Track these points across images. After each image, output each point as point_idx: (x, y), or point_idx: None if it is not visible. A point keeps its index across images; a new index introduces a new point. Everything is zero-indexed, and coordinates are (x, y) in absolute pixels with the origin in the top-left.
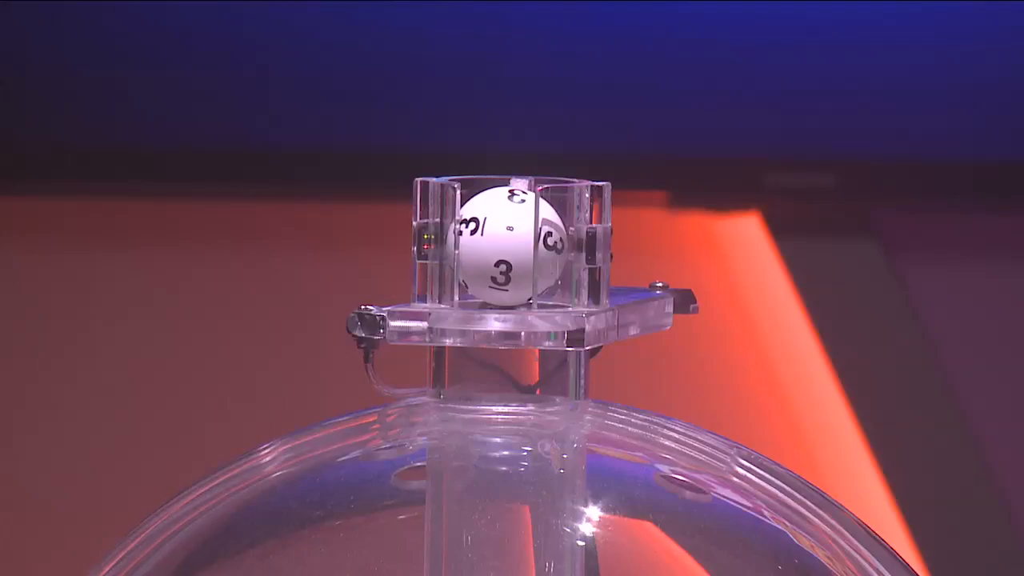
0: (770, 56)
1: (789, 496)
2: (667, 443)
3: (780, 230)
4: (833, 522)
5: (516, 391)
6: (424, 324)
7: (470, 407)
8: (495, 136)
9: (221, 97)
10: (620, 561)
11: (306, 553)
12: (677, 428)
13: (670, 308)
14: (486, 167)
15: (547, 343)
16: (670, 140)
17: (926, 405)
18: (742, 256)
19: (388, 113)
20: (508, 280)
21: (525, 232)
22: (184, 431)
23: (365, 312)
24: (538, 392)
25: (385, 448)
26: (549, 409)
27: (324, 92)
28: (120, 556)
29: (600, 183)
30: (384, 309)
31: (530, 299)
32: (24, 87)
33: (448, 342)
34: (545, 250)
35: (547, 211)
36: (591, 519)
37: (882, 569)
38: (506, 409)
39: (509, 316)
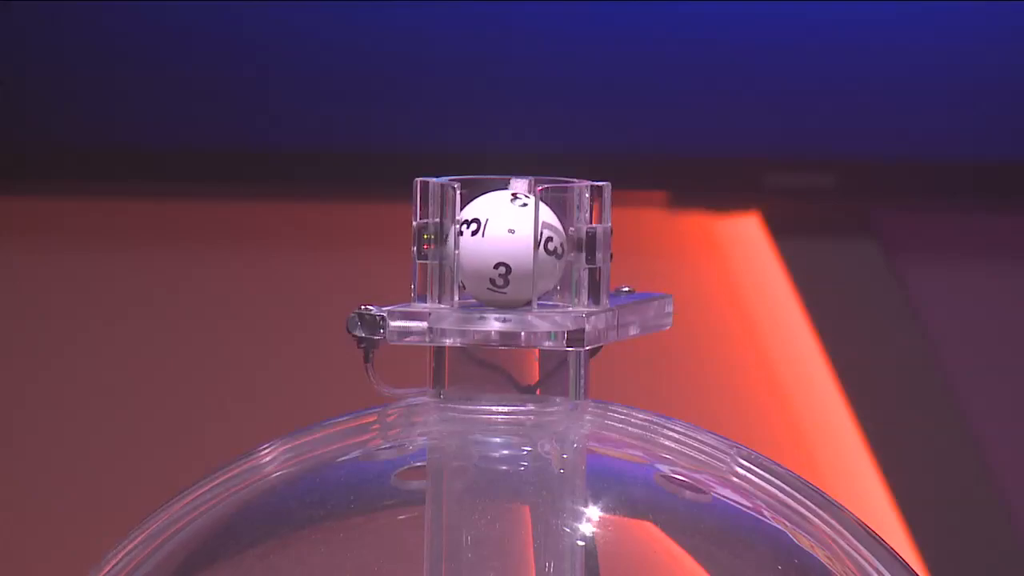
0: (770, 56)
1: (789, 496)
2: (667, 443)
3: (780, 230)
4: (833, 522)
5: (516, 391)
6: (424, 324)
7: (470, 407)
8: (495, 136)
9: (221, 97)
10: (620, 561)
11: (306, 553)
12: (677, 428)
13: (670, 308)
14: (486, 167)
15: (547, 343)
16: (670, 140)
17: (926, 405)
18: (742, 256)
19: (388, 113)
20: (507, 283)
21: (526, 235)
22: (184, 431)
23: (365, 312)
24: (538, 392)
25: (385, 448)
26: (549, 409)
27: (324, 92)
28: (120, 556)
29: (600, 183)
30: (384, 309)
31: (528, 302)
32: (24, 87)
33: (448, 342)
34: (545, 254)
35: (549, 215)
36: (591, 519)
37: (882, 569)
38: (506, 409)
39: (509, 316)
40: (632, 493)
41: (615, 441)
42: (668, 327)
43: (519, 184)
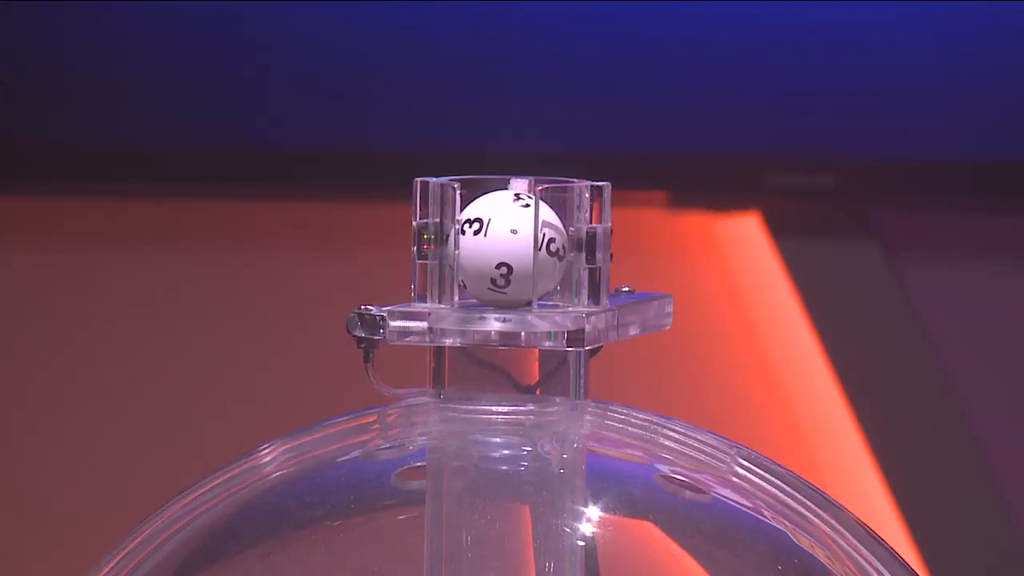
0: (770, 56)
1: (789, 496)
2: (667, 443)
3: (780, 230)
4: (833, 522)
5: (516, 391)
6: (424, 324)
7: (470, 407)
8: (495, 136)
9: (221, 97)
10: (620, 561)
11: (306, 553)
12: (677, 428)
13: (670, 308)
14: (486, 167)
15: (547, 343)
16: (670, 140)
17: (926, 405)
18: (742, 256)
19: (388, 113)
20: (508, 283)
21: (528, 236)
22: (184, 431)
23: (365, 312)
24: (538, 392)
25: (385, 448)
26: (549, 409)
27: (324, 92)
28: (120, 556)
29: (600, 183)
30: (384, 309)
31: (528, 302)
32: (24, 87)
33: (448, 342)
34: (547, 255)
35: (551, 217)
36: (591, 519)
37: (882, 569)
38: (506, 409)
39: (509, 316)
40: (632, 493)
41: (615, 441)
42: (668, 327)
43: (519, 184)
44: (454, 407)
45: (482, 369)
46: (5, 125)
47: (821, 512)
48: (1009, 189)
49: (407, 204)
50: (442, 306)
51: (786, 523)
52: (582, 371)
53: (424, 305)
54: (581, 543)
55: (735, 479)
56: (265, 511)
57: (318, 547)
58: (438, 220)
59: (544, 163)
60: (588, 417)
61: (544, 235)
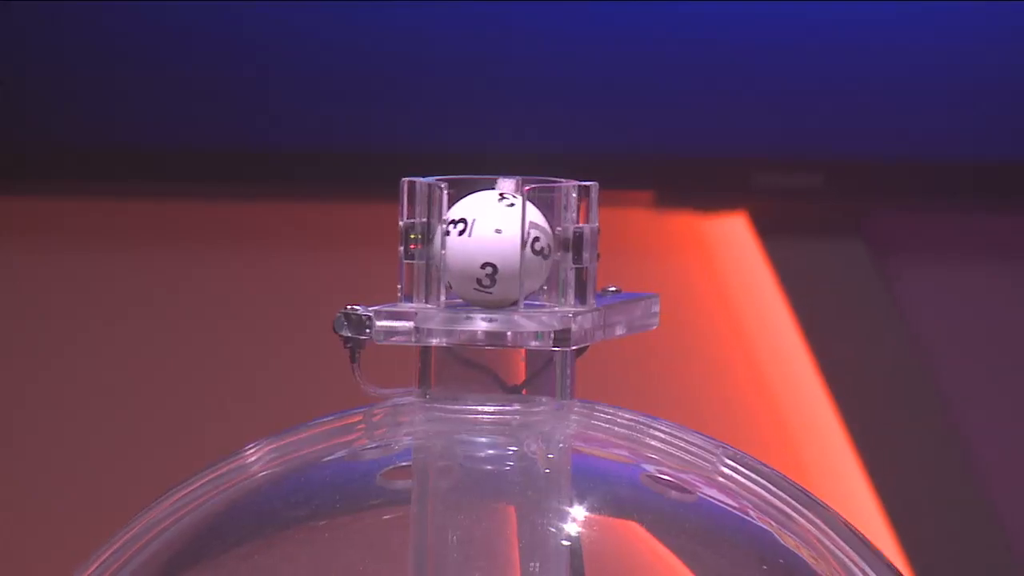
0: (770, 56)
1: (775, 496)
2: (653, 443)
3: (767, 230)
4: (818, 522)
5: (502, 391)
6: (410, 324)
7: (456, 407)
8: (495, 136)
9: (221, 97)
10: (605, 561)
11: (291, 553)
12: (663, 428)
13: (657, 308)
14: (485, 167)
15: (533, 343)
16: (660, 140)
17: (912, 405)
18: (729, 256)
19: (388, 113)
20: (493, 283)
21: (513, 235)
22: (184, 431)
23: (352, 312)
24: (524, 392)
25: (371, 448)
26: (535, 409)
27: (324, 92)
28: (105, 556)
29: (587, 183)
30: (371, 309)
31: (514, 302)
32: (24, 87)
33: (434, 342)
34: (532, 255)
35: (536, 216)
36: (576, 519)
37: (867, 569)
38: (492, 409)
39: (496, 316)
40: (618, 493)
41: (601, 441)
42: (655, 327)
43: (506, 184)
44: (440, 407)
45: (468, 369)
46: (5, 125)
47: (807, 512)
48: (1009, 189)
49: None
50: (428, 306)
51: (772, 523)
52: (568, 371)
53: (411, 305)
54: (566, 543)
55: (721, 479)
56: (250, 511)
57: (303, 547)
58: (425, 220)
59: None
60: (574, 417)
61: (529, 234)
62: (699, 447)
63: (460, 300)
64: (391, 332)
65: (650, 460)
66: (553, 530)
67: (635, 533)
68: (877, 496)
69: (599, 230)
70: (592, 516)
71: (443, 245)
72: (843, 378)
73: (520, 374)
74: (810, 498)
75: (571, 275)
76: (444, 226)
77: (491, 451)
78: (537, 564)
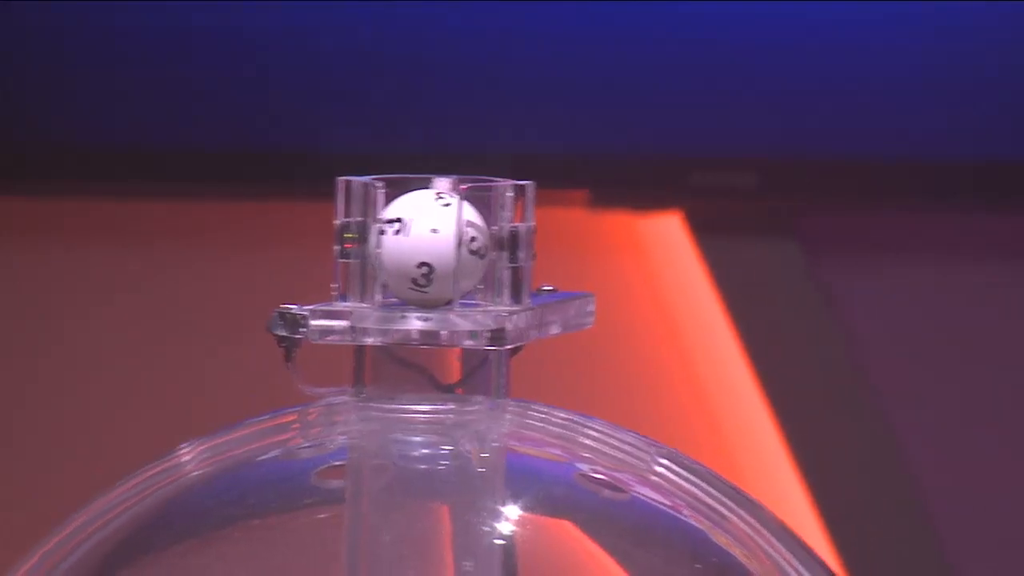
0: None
1: (708, 495)
2: (587, 442)
3: (702, 229)
4: (752, 520)
5: (437, 390)
6: (346, 323)
7: (391, 406)
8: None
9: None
10: (538, 560)
11: (226, 552)
12: (597, 427)
13: (592, 307)
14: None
15: (468, 342)
16: (591, 139)
17: (846, 406)
18: (664, 256)
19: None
20: (429, 282)
21: (449, 235)
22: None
23: (287, 311)
24: (459, 391)
25: (305, 447)
26: (470, 408)
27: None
28: (37, 556)
29: (523, 182)
30: (306, 308)
31: (450, 302)
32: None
33: (369, 341)
34: (468, 254)
35: (473, 215)
36: (510, 518)
37: (800, 568)
38: (426, 408)
39: (430, 315)
40: (552, 492)
41: (535, 440)
42: (590, 326)
43: (442, 183)
44: (375, 406)
45: (403, 368)
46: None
47: (740, 511)
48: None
49: None
50: (364, 305)
51: (705, 521)
52: (503, 370)
53: (346, 304)
54: (500, 542)
55: (654, 478)
56: (184, 510)
57: (237, 546)
58: (361, 219)
59: (470, 163)
60: (508, 416)
61: (465, 234)
62: (633, 446)
63: (396, 299)
64: (326, 331)
65: (584, 459)
66: (487, 529)
67: (568, 532)
68: (810, 495)
69: (535, 229)
70: (526, 515)
71: (379, 244)
72: (777, 378)
73: (455, 373)
74: (744, 497)
75: (507, 274)
76: (380, 225)
77: (425, 450)
78: (471, 563)
